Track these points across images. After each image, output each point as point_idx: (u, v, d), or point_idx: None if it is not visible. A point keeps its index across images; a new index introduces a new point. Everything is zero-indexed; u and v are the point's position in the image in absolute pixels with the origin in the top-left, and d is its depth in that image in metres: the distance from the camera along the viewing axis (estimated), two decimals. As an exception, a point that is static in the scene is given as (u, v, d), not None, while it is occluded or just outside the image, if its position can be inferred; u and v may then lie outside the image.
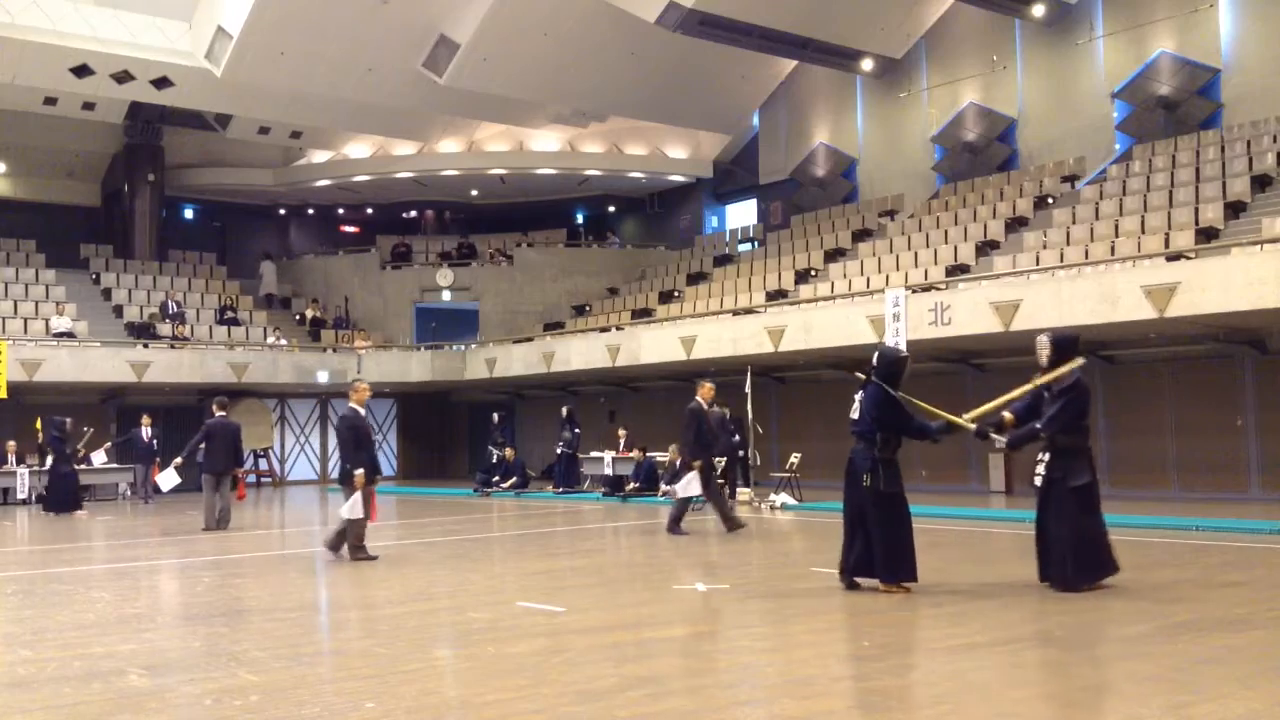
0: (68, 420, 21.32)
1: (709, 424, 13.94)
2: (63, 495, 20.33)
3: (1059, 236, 19.99)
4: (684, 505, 14.03)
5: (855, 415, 8.83)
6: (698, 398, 14.00)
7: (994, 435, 8.97)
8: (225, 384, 25.42)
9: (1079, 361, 8.68)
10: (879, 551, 8.55)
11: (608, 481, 22.29)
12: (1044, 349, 8.70)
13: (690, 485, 13.63)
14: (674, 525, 13.84)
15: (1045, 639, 6.80)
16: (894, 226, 25.18)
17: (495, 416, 26.57)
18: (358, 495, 11.35)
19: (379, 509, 12.72)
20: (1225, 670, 5.82)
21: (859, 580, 8.73)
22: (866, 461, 8.67)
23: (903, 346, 18.06)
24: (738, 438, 18.93)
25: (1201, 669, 5.85)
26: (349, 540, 11.54)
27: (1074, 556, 8.32)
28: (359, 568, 11.08)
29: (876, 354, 9.05)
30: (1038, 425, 8.56)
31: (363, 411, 11.66)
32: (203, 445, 16.17)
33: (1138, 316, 15.55)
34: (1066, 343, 8.77)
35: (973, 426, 8.88)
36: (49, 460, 21.08)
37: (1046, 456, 8.60)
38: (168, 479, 16.86)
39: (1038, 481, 8.64)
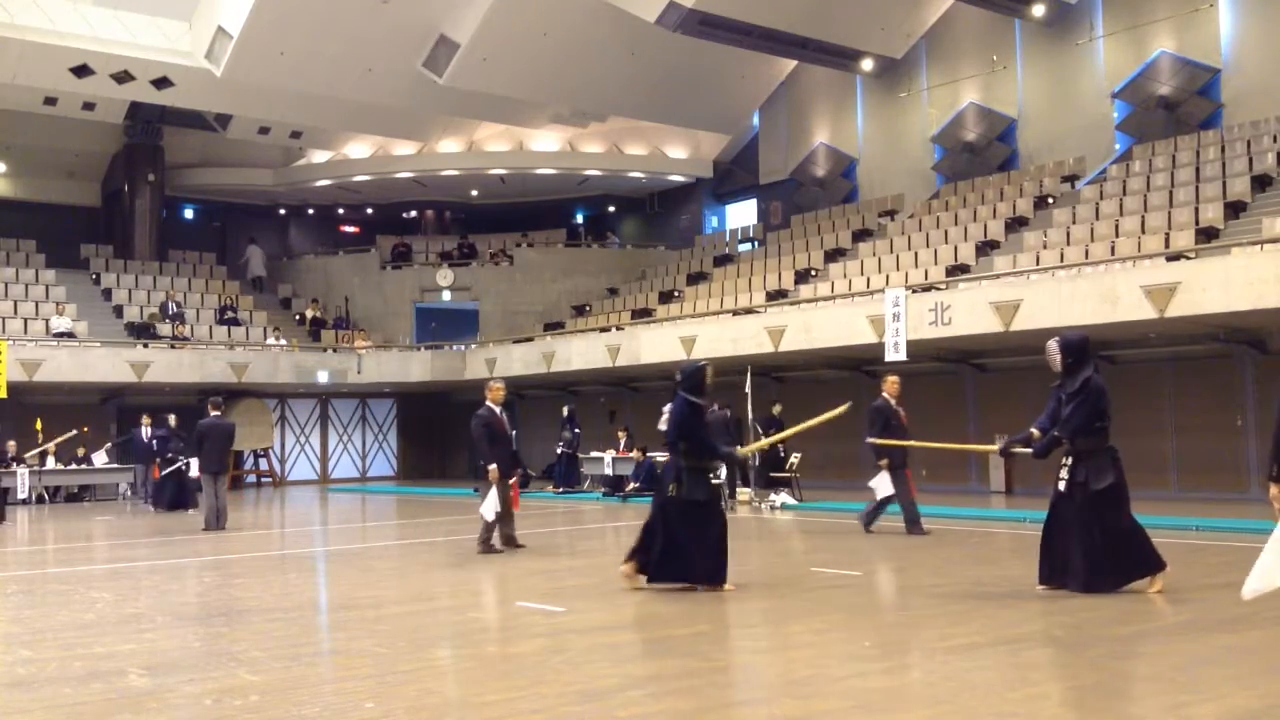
0: (171, 416, 21.45)
1: (900, 420, 13.26)
2: (179, 492, 20.40)
3: (1059, 236, 19.99)
4: (882, 506, 13.38)
5: (663, 427, 9.07)
6: (884, 394, 13.34)
7: (1018, 450, 8.99)
8: (225, 384, 25.42)
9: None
10: (696, 558, 8.80)
11: (608, 481, 22.29)
12: (1054, 355, 8.58)
13: (883, 484, 13.19)
14: (870, 521, 13.42)
15: (1045, 639, 6.80)
16: (894, 226, 25.17)
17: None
18: (493, 493, 11.70)
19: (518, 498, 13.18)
20: (1225, 670, 5.82)
21: (660, 584, 8.88)
22: (671, 471, 9.06)
23: (892, 348, 18.10)
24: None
25: (1201, 669, 5.85)
26: (480, 534, 12.00)
27: (1108, 558, 8.18)
28: (361, 567, 11.09)
29: (679, 370, 9.47)
30: (1056, 432, 8.50)
31: (498, 410, 12.01)
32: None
33: (1138, 316, 15.54)
34: (1076, 345, 8.59)
35: (761, 447, 10.24)
36: (158, 458, 20.93)
37: (1069, 461, 8.48)
38: (195, 467, 17.06)
39: (1061, 486, 8.47)
